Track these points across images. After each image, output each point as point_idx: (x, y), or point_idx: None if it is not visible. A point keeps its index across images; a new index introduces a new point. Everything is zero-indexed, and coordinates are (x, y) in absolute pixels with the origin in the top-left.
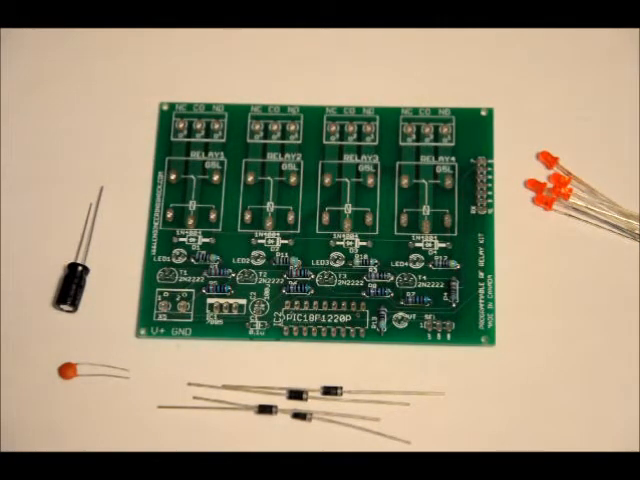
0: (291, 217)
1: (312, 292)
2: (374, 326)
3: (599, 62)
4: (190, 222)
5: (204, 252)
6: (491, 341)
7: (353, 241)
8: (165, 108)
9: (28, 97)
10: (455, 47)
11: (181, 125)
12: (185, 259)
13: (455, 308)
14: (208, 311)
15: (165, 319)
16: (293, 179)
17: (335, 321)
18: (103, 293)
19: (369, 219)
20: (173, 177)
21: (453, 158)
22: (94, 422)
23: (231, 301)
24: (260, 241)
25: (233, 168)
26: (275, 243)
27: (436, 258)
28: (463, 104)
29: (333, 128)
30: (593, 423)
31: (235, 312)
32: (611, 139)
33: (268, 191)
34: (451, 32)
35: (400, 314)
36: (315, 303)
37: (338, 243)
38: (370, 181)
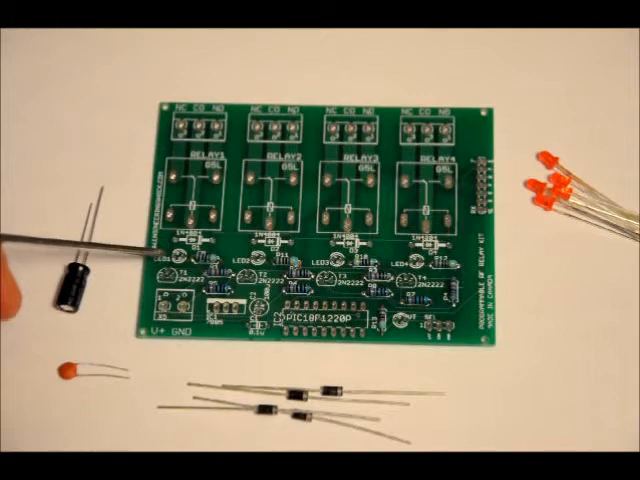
0: (291, 217)
1: (312, 292)
2: (374, 326)
3: (599, 62)
4: (190, 222)
5: (204, 252)
6: (491, 341)
7: (353, 241)
8: (165, 108)
9: (28, 97)
10: (455, 47)
11: (181, 125)
12: (185, 259)
13: (455, 308)
14: (208, 311)
15: (165, 319)
16: (293, 179)
17: (335, 321)
18: (103, 293)
19: (369, 219)
20: (173, 177)
21: (453, 158)
22: (94, 422)
23: (231, 301)
24: (260, 241)
25: (233, 168)
26: (275, 243)
27: (436, 258)
28: (463, 104)
29: (333, 128)
30: (593, 423)
31: (235, 312)
32: (611, 139)
33: (268, 191)
34: (451, 32)
35: (400, 314)
36: (315, 303)
37: (338, 243)
38: (370, 181)
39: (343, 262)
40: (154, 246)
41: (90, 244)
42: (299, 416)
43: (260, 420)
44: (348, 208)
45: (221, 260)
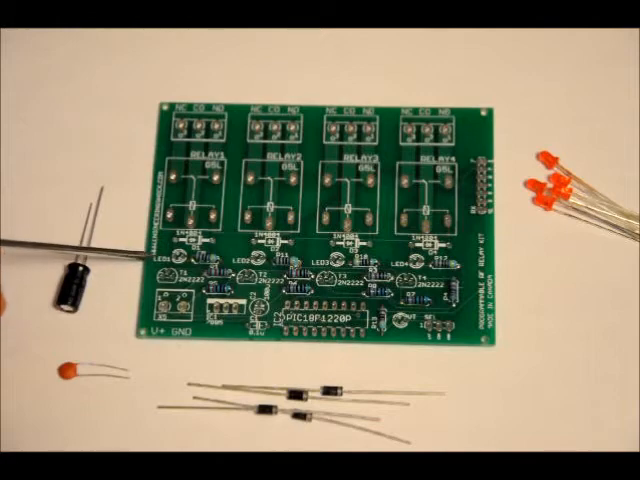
0: (291, 217)
1: (312, 292)
2: (374, 326)
3: (599, 62)
4: (190, 222)
5: (204, 252)
6: (491, 341)
7: (353, 241)
8: (165, 108)
9: (28, 97)
10: (455, 47)
11: (181, 125)
12: (185, 259)
13: (455, 308)
14: (208, 311)
15: (165, 319)
16: (293, 179)
17: (335, 321)
18: (103, 293)
19: (369, 219)
20: (173, 177)
21: (453, 158)
22: (94, 422)
23: (231, 301)
24: (260, 241)
25: (233, 168)
26: (275, 243)
27: (436, 258)
28: (463, 104)
29: (333, 128)
30: (593, 423)
31: (235, 312)
32: (611, 139)
33: (268, 191)
34: (451, 32)
35: (400, 314)
36: (315, 303)
37: (338, 243)
38: (370, 181)
39: (343, 262)
40: (154, 247)
41: (72, 247)
42: (299, 416)
43: (260, 420)
44: (348, 208)
45: (221, 260)
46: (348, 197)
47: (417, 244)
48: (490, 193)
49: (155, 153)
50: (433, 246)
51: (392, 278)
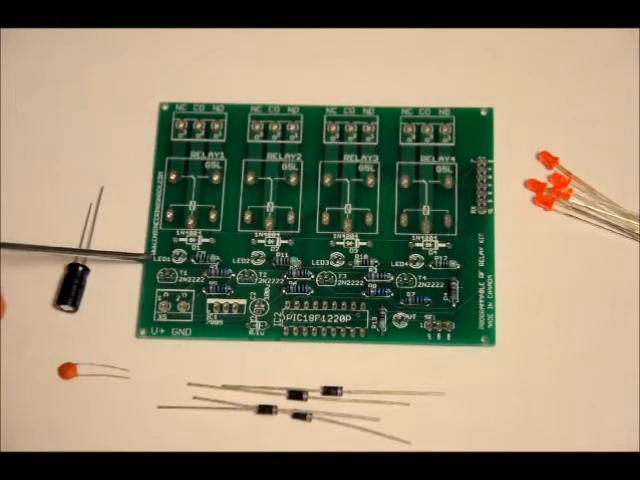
0: (291, 217)
1: (312, 292)
2: (374, 326)
3: (599, 62)
4: (190, 222)
5: (204, 252)
6: (491, 341)
7: (353, 241)
8: (165, 108)
9: (28, 97)
10: (455, 47)
11: (181, 125)
12: (185, 259)
13: (455, 308)
14: (208, 311)
15: (165, 319)
16: (293, 179)
17: (335, 321)
18: (103, 293)
19: (369, 219)
20: (173, 177)
21: (453, 158)
22: (94, 422)
23: (231, 301)
24: (260, 241)
25: (233, 168)
26: (275, 243)
27: (436, 258)
28: (463, 104)
29: (333, 128)
30: (593, 423)
31: (235, 312)
32: (611, 139)
33: (268, 191)
34: (451, 32)
35: (400, 314)
36: (315, 303)
37: (338, 243)
38: (370, 181)
39: (343, 262)
40: (154, 247)
41: (75, 250)
42: (299, 416)
43: (260, 420)
44: (348, 208)
45: (221, 260)
46: (348, 197)
47: (417, 244)
48: (490, 193)
49: (155, 153)
50: (433, 246)
51: (392, 278)
